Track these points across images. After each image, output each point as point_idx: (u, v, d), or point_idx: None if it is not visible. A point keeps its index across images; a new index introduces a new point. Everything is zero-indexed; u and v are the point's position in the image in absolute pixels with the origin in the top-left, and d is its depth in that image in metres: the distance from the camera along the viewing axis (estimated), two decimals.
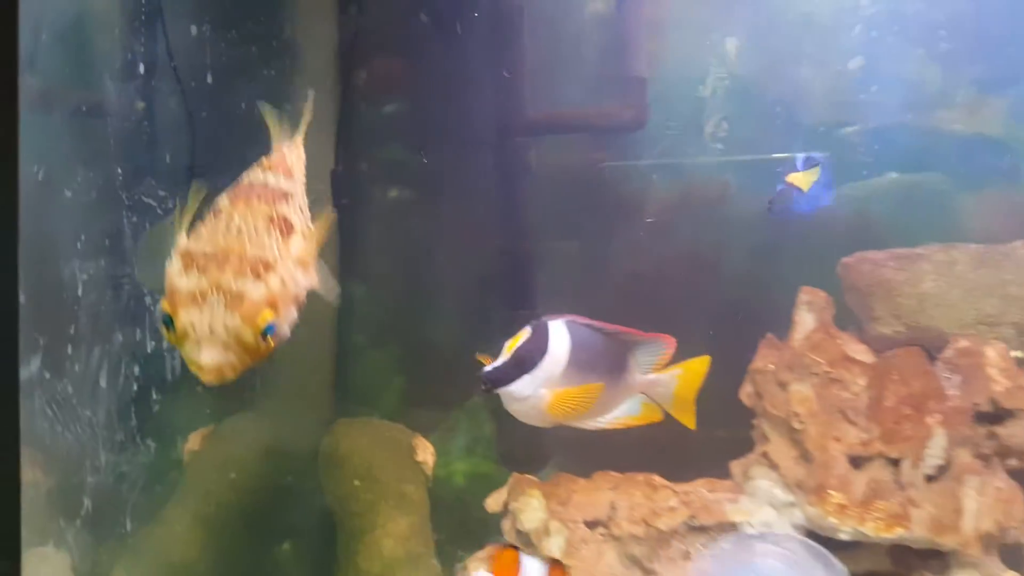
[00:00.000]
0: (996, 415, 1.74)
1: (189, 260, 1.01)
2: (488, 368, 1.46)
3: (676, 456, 2.14)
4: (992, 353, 1.75)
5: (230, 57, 2.13)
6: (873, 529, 1.67)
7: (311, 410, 3.13)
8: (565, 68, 2.78)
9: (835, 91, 2.51)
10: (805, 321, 1.94)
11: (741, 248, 2.40)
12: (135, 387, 1.80)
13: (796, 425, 1.89)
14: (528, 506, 2.09)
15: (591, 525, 2.04)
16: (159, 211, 1.82)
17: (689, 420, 1.58)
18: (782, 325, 2.03)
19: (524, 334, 1.49)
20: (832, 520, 1.74)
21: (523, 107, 2.64)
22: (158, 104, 1.89)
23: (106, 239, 1.64)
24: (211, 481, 2.73)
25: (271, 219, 1.06)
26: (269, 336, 1.00)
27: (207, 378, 0.98)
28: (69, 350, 1.56)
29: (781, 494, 1.91)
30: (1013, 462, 1.72)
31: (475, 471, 3.12)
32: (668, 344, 1.62)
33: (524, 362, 1.45)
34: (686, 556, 1.95)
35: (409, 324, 3.32)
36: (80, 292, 1.56)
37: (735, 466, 2.02)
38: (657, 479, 2.05)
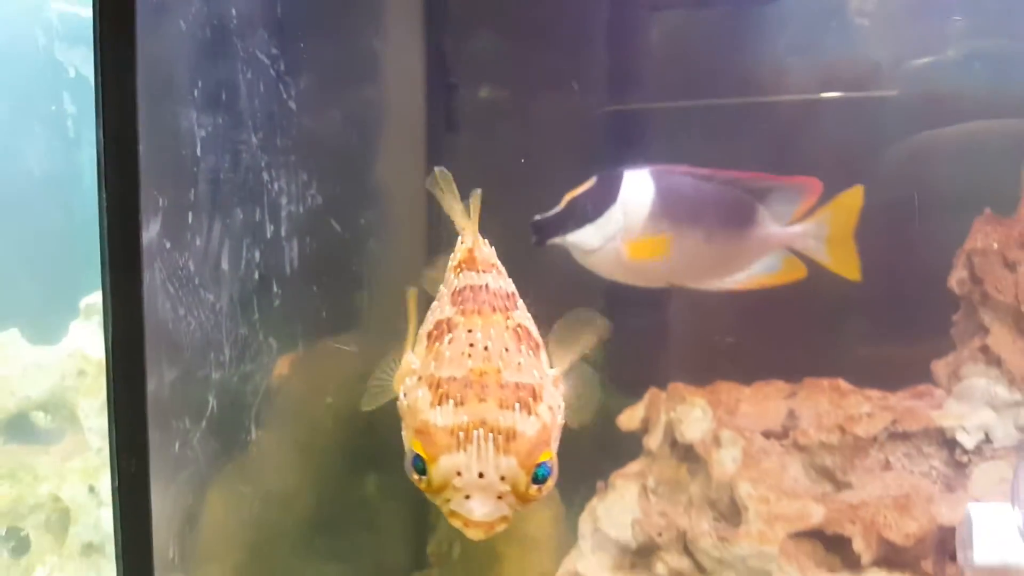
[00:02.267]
0: None
1: (438, 388, 0.83)
2: (537, 217, 1.38)
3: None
4: None
5: None
6: None
7: (399, 335, 2.91)
8: None
9: None
10: None
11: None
12: (257, 275, 1.57)
13: None
14: (689, 415, 1.84)
15: (766, 436, 1.79)
16: (271, 71, 1.56)
17: (851, 270, 1.40)
18: (997, 201, 1.72)
19: (587, 184, 1.42)
20: None
21: None
22: None
23: (222, 91, 1.39)
24: (304, 405, 2.55)
25: (515, 332, 0.89)
26: (546, 480, 0.82)
27: (477, 535, 0.82)
28: (189, 218, 1.32)
29: (1004, 392, 1.62)
30: None
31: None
32: (812, 188, 1.44)
33: (580, 212, 1.40)
34: (886, 466, 1.68)
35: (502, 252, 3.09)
36: (199, 151, 1.32)
37: (939, 367, 1.74)
38: (844, 384, 1.78)
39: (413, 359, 0.91)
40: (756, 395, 1.87)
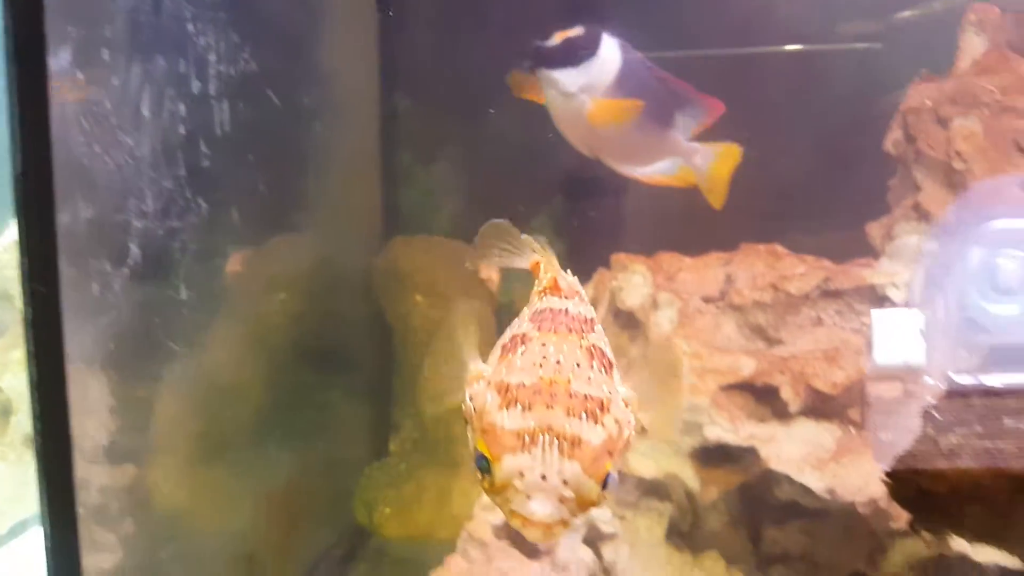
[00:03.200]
0: None
1: (507, 393, 0.84)
2: (538, 43, 1.45)
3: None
4: None
5: None
6: None
7: (359, 230, 2.91)
8: None
9: None
10: (973, 45, 1.63)
11: None
12: (182, 130, 1.53)
13: (957, 166, 1.61)
14: (630, 282, 1.85)
15: (705, 300, 1.82)
16: None
17: (717, 199, 1.59)
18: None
19: (576, 30, 1.48)
20: None
21: None
22: None
23: None
24: (256, 301, 2.55)
25: (588, 350, 0.90)
26: (609, 488, 0.82)
27: (535, 536, 0.81)
28: (105, 55, 1.28)
29: (935, 248, 1.65)
30: None
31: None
32: (714, 109, 1.57)
33: (572, 51, 1.47)
34: (817, 323, 1.72)
35: (461, 140, 3.05)
36: None
37: (874, 228, 1.76)
38: (780, 248, 1.80)
39: (484, 366, 0.92)
40: (697, 264, 1.89)
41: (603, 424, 0.82)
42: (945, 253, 0.95)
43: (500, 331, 3.16)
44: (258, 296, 2.53)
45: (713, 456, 1.69)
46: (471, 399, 0.88)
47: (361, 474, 2.57)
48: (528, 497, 0.79)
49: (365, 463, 2.67)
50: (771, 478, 1.86)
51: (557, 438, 0.80)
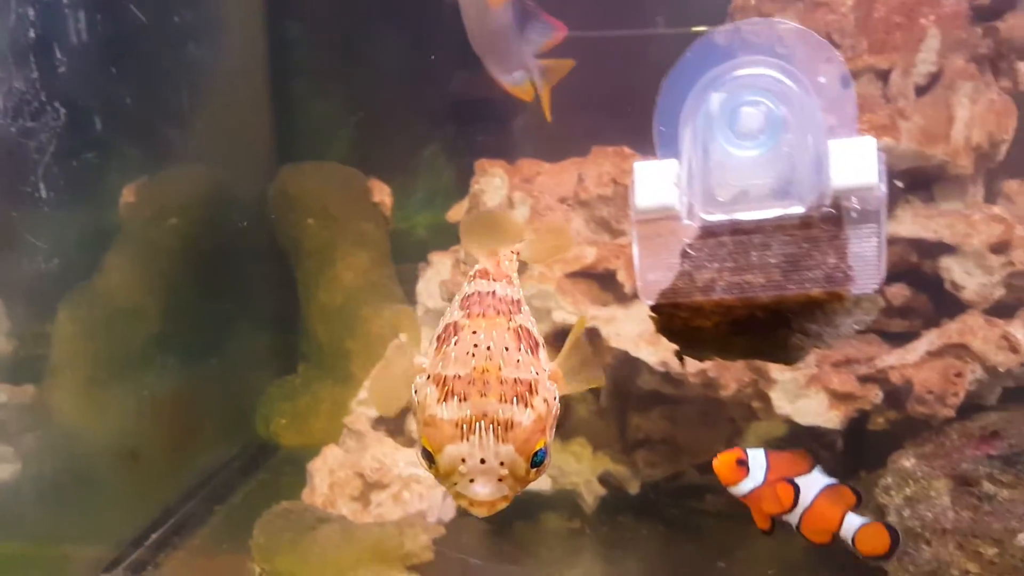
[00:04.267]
0: (995, 8, 1.60)
1: (444, 386, 0.90)
2: None
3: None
4: None
5: None
6: None
7: (252, 158, 2.93)
8: None
9: None
10: None
11: None
12: (32, 34, 1.55)
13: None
14: (490, 185, 1.96)
15: (560, 200, 1.93)
16: None
17: (547, 112, 1.72)
18: None
19: None
20: None
21: None
22: None
23: None
24: (149, 229, 2.58)
25: (515, 332, 0.96)
26: (542, 464, 0.91)
27: (482, 512, 0.90)
28: None
29: None
30: (1009, 64, 1.59)
31: (436, 222, 3.00)
32: (559, 31, 1.66)
33: None
34: None
35: (356, 69, 3.07)
36: None
37: None
38: (627, 149, 1.92)
39: (423, 360, 0.97)
40: (554, 168, 2.00)
41: (532, 406, 0.89)
42: (695, 104, 1.06)
43: (395, 254, 3.22)
44: (150, 222, 2.57)
45: (561, 339, 1.82)
46: (415, 392, 0.95)
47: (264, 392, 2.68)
48: (471, 480, 0.87)
49: (269, 382, 2.77)
50: (634, 368, 2.01)
51: (492, 424, 0.87)
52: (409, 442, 1.97)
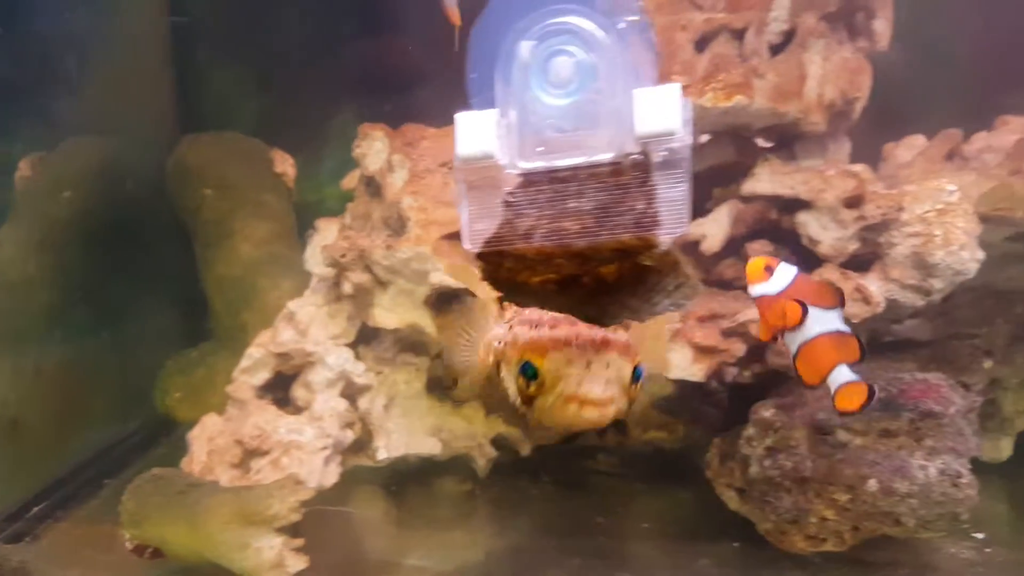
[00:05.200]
0: None
1: (535, 323, 0.93)
2: None
3: None
4: None
5: None
6: (711, 99, 1.58)
7: (152, 129, 2.87)
8: None
9: None
10: None
11: None
12: None
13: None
14: (372, 149, 1.95)
15: (442, 164, 1.93)
16: None
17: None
18: None
19: None
20: None
21: None
22: None
23: None
24: (44, 202, 2.52)
25: None
26: (640, 380, 0.88)
27: (593, 415, 0.84)
28: None
29: None
30: (866, 23, 1.63)
31: (346, 193, 2.98)
32: None
33: None
34: None
35: (264, 36, 3.01)
36: None
37: None
38: None
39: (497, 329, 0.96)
40: (439, 133, 2.00)
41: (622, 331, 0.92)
42: (507, 52, 1.07)
43: (299, 225, 3.16)
44: (45, 196, 2.51)
45: (442, 300, 1.83)
46: (499, 343, 0.95)
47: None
48: (579, 384, 0.85)
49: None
50: None
51: (590, 340, 0.89)
52: (292, 406, 1.97)
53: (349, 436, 1.92)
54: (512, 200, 1.14)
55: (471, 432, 2.08)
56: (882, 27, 1.71)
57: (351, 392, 1.95)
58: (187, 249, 2.64)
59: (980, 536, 1.77)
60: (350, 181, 2.22)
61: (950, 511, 1.53)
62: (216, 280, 2.49)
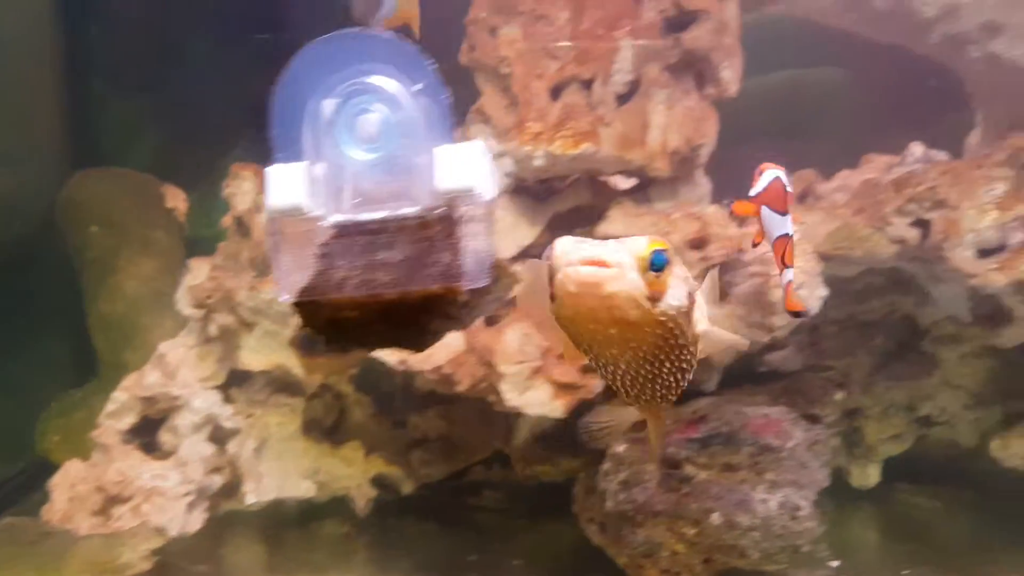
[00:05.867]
0: (682, 21, 1.71)
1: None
2: None
3: None
4: None
5: None
6: (561, 147, 1.64)
7: (44, 165, 2.81)
8: None
9: None
10: None
11: None
12: None
13: (503, 70, 1.80)
14: (240, 189, 1.95)
15: None
16: None
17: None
18: None
19: None
20: (527, 148, 1.69)
21: None
22: None
23: None
24: None
25: None
26: (663, 268, 0.79)
27: (592, 274, 0.77)
28: None
29: (495, 145, 1.85)
30: (713, 73, 1.71)
31: None
32: None
33: None
34: None
35: (159, 71, 2.99)
36: None
37: (456, 133, 1.93)
38: None
39: None
40: None
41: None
42: (313, 109, 1.10)
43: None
44: None
45: (308, 343, 1.84)
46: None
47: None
48: (581, 249, 0.77)
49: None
50: (409, 372, 2.04)
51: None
52: (158, 452, 1.93)
53: (217, 481, 1.89)
54: (325, 252, 1.17)
55: (350, 473, 2.07)
56: (729, 76, 1.79)
57: (220, 436, 1.93)
58: (77, 287, 2.59)
59: (835, 564, 1.84)
60: (227, 220, 2.22)
61: (791, 544, 1.59)
62: (99, 318, 2.44)
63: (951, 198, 1.65)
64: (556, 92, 1.73)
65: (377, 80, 1.08)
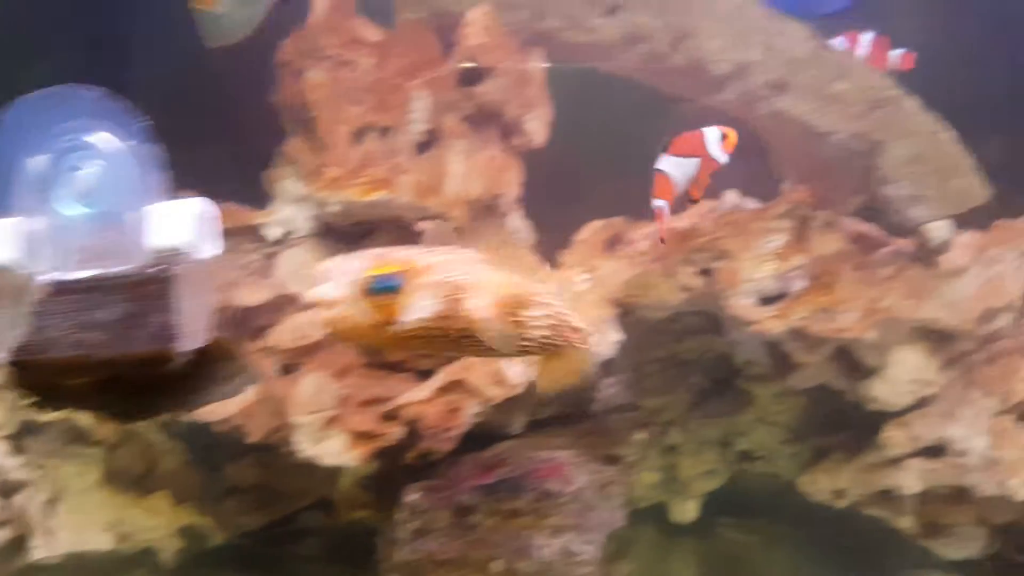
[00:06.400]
0: (477, 74, 1.75)
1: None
2: None
3: None
4: (474, 13, 1.73)
5: None
6: (356, 194, 1.64)
7: None
8: None
9: None
10: (321, 2, 1.81)
11: None
12: None
13: (309, 113, 1.79)
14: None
15: None
16: None
17: None
18: None
19: None
20: (324, 193, 1.69)
21: None
22: None
23: None
24: None
25: None
26: (387, 290, 0.82)
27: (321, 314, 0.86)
28: None
29: (300, 188, 1.83)
30: (502, 123, 1.75)
31: None
32: None
33: None
34: None
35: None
36: None
37: (267, 176, 1.91)
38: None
39: None
40: None
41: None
42: (28, 167, 1.07)
43: None
44: None
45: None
46: None
47: None
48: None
49: None
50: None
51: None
52: None
53: (1, 536, 1.77)
54: (40, 309, 1.12)
55: (155, 524, 1.98)
56: (536, 126, 1.84)
57: (6, 489, 1.82)
58: None
59: None
60: None
61: None
62: None
63: (732, 249, 1.74)
64: (359, 137, 1.73)
65: (90, 137, 1.06)
